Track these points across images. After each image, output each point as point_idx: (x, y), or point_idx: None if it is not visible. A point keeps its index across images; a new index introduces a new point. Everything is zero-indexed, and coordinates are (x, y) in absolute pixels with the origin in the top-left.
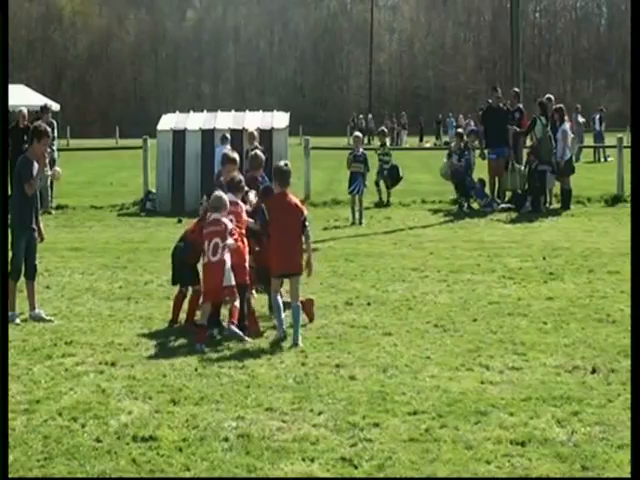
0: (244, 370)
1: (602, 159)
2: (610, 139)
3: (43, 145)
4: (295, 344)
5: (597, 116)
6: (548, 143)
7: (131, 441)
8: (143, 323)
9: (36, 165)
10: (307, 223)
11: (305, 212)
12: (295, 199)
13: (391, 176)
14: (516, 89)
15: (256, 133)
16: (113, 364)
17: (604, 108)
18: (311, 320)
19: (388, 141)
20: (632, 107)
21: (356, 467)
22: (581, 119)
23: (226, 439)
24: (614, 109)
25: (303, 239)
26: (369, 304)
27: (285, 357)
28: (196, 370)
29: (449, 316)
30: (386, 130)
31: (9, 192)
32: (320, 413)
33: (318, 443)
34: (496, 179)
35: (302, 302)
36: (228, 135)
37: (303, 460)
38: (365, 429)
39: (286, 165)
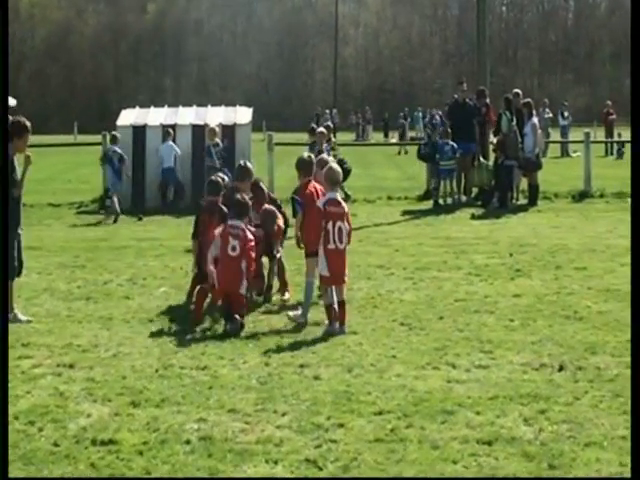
0: (206, 371)
1: (567, 154)
2: (577, 134)
3: (23, 142)
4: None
5: (562, 111)
6: (514, 138)
7: (90, 445)
8: (102, 323)
9: (17, 166)
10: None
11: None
12: (313, 185)
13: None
14: (482, 87)
15: (217, 129)
16: (71, 366)
17: (565, 102)
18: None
19: (335, 136)
20: (632, 107)
21: (321, 469)
22: (548, 114)
23: (188, 442)
24: (581, 104)
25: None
26: None
27: (248, 357)
28: (157, 371)
29: (415, 314)
30: (331, 125)
31: None
32: (284, 414)
33: (282, 445)
34: (462, 175)
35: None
36: (171, 130)
37: (267, 462)
38: (330, 430)
39: (309, 157)
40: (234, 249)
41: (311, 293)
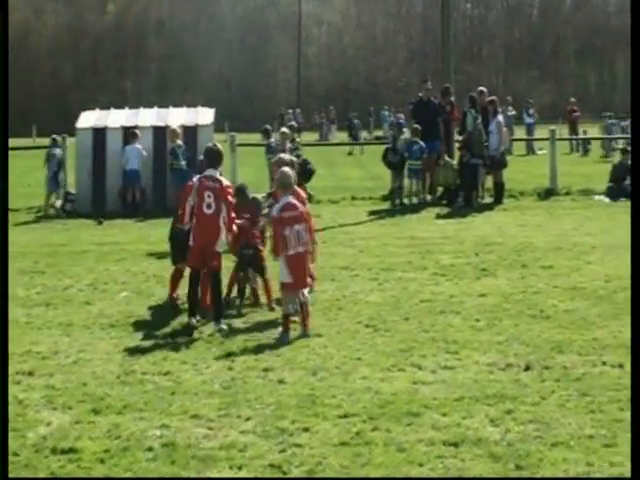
0: (169, 376)
1: (533, 152)
2: (543, 132)
3: None
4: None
5: (528, 109)
6: (479, 136)
7: (50, 454)
8: (63, 330)
9: None
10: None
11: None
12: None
13: (303, 169)
14: (447, 85)
15: (179, 130)
16: (31, 373)
17: (531, 100)
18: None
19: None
20: (632, 106)
21: (286, 473)
22: (511, 112)
23: (150, 449)
24: (547, 101)
25: None
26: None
27: (211, 362)
28: (118, 377)
29: (380, 315)
30: (295, 125)
31: None
32: (248, 419)
33: (246, 450)
34: (427, 174)
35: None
36: (138, 132)
37: (230, 468)
38: (295, 434)
39: (290, 160)
40: (209, 207)
41: None
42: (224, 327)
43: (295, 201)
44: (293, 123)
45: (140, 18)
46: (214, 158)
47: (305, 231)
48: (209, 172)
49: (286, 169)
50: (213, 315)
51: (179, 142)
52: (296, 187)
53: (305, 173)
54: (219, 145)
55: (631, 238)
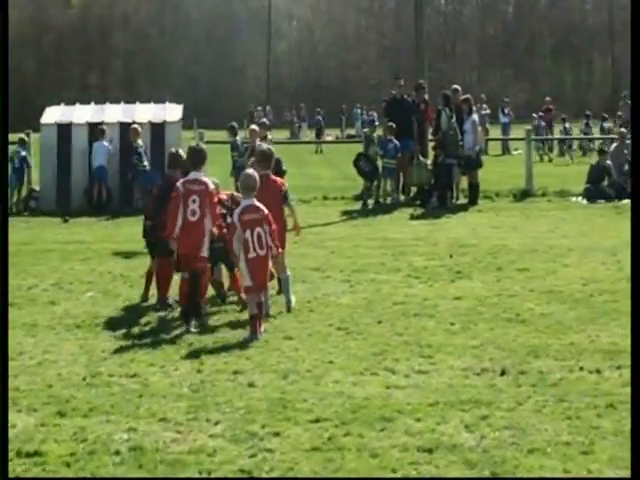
0: (136, 379)
1: (508, 152)
2: (518, 131)
3: None
4: (288, 309)
5: (503, 108)
6: (454, 136)
7: (15, 457)
8: (27, 330)
9: None
10: (288, 194)
11: (285, 187)
12: (275, 178)
13: (277, 170)
14: (421, 81)
15: (140, 129)
16: None
17: (506, 99)
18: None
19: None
20: (632, 106)
21: (256, 479)
22: (485, 110)
23: (117, 452)
24: (522, 100)
25: (287, 209)
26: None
27: (180, 364)
28: (84, 379)
29: (352, 318)
30: (267, 122)
31: None
32: (217, 423)
33: (215, 455)
34: (400, 174)
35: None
36: (105, 128)
37: (199, 473)
38: (265, 439)
39: (268, 149)
40: (194, 213)
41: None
42: (193, 330)
43: (257, 203)
44: (265, 120)
45: (105, 12)
46: (198, 158)
47: (265, 235)
48: (193, 175)
49: (250, 171)
50: (183, 315)
51: (140, 142)
52: (274, 177)
53: (277, 173)
54: (202, 144)
55: (631, 238)
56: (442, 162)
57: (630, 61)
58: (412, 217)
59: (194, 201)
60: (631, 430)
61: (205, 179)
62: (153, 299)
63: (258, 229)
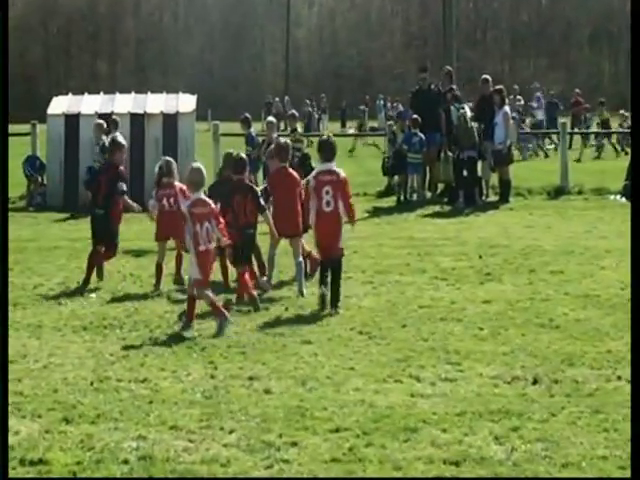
0: (146, 384)
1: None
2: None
3: None
4: (300, 293)
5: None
6: (466, 128)
7: (18, 465)
8: (32, 332)
9: None
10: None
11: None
12: (292, 171)
13: (302, 166)
14: (448, 67)
15: (104, 124)
16: None
17: (539, 93)
18: (312, 273)
19: (299, 126)
20: (632, 105)
21: None
22: (519, 102)
23: (126, 461)
24: (556, 91)
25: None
26: (286, 309)
27: (192, 369)
28: (92, 384)
29: (375, 322)
30: (297, 114)
31: None
32: (231, 431)
33: (229, 465)
34: (427, 169)
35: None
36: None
37: None
38: (282, 449)
39: (285, 143)
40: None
41: (301, 271)
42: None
43: (205, 198)
44: (294, 112)
45: None
46: (330, 150)
47: (213, 229)
48: (324, 166)
49: (197, 165)
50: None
51: (104, 138)
52: (291, 170)
53: (304, 169)
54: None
55: (631, 238)
56: (458, 157)
57: (630, 61)
58: (439, 215)
59: (327, 192)
60: (631, 430)
61: (337, 169)
62: (164, 290)
63: (207, 224)
